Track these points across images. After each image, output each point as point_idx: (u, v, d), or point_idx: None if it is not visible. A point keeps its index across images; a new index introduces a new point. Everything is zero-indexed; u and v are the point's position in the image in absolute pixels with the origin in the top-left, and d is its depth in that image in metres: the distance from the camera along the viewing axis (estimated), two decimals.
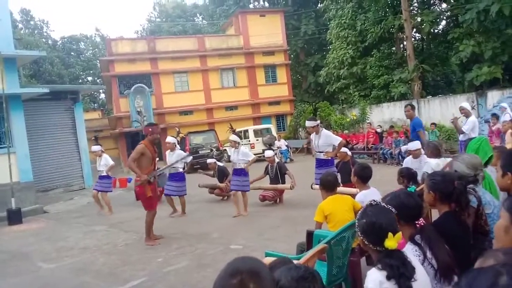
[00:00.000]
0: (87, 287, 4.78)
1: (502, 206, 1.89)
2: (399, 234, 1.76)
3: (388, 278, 1.70)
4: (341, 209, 3.76)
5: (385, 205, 1.92)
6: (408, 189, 2.38)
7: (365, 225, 1.82)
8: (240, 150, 7.74)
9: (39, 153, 13.54)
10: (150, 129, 6.35)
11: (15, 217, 9.43)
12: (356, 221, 1.90)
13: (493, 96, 15.15)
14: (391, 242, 1.72)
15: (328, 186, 4.06)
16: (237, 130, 18.61)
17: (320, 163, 6.81)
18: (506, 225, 1.53)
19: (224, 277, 1.12)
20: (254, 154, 19.16)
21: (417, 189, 2.91)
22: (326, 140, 6.82)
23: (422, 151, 5.70)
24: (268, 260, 2.90)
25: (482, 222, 2.44)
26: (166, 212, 8.41)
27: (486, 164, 3.19)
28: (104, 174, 9.41)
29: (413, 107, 7.91)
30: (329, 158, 6.83)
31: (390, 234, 1.73)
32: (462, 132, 7.50)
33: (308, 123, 6.81)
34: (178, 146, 8.79)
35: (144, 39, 26.83)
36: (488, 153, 3.19)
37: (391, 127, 16.14)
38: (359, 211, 1.95)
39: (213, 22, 40.17)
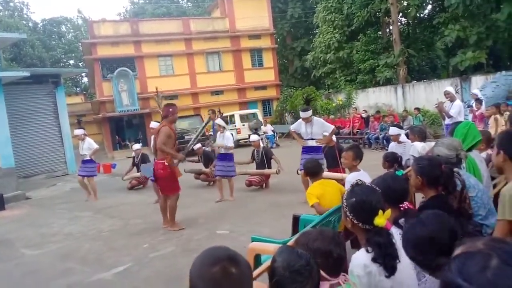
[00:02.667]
0: (73, 273, 4.73)
1: None
2: (389, 211, 1.77)
3: (374, 260, 1.69)
4: (329, 191, 3.79)
5: (369, 185, 1.92)
6: (396, 172, 2.40)
7: (355, 203, 1.82)
8: (225, 135, 7.72)
9: (21, 139, 13.26)
10: (170, 109, 6.08)
11: None
12: (344, 201, 1.88)
13: (477, 81, 15.31)
14: (381, 220, 1.73)
15: (312, 172, 4.26)
16: (224, 115, 18.60)
17: (309, 150, 6.83)
18: None
19: (203, 266, 1.14)
20: (241, 140, 19.17)
21: (404, 172, 2.93)
22: (321, 128, 6.85)
23: (403, 137, 5.82)
24: (254, 245, 2.91)
25: (466, 206, 2.46)
26: (151, 198, 8.39)
27: (472, 148, 3.22)
28: (88, 158, 9.24)
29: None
30: (320, 145, 6.87)
31: (380, 211, 1.74)
32: (450, 116, 7.55)
33: (303, 114, 6.77)
34: None
35: (127, 21, 26.16)
36: (477, 137, 3.22)
37: (377, 112, 16.24)
38: (346, 192, 1.93)
39: (198, 4, 39.48)
